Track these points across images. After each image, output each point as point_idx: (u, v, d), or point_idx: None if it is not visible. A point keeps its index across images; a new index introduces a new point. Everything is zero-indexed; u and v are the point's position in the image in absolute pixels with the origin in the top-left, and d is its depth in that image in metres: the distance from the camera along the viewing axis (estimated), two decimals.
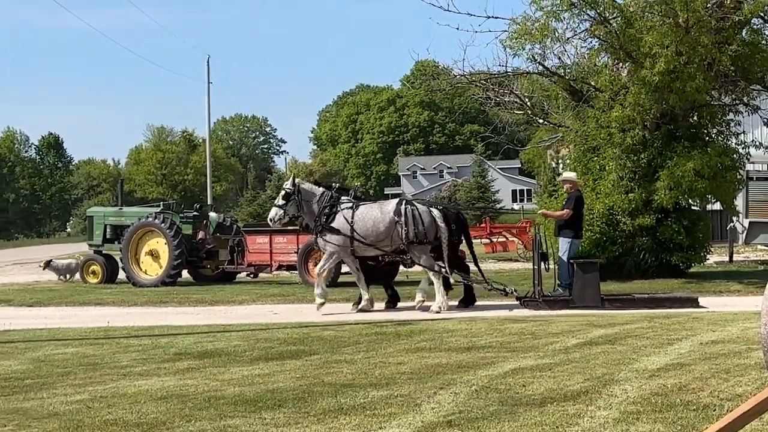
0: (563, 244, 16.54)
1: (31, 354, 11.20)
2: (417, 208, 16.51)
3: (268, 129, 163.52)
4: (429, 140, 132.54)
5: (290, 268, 21.90)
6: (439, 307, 15.74)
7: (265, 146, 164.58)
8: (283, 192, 17.05)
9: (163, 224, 21.94)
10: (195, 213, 23.25)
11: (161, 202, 27.11)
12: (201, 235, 22.56)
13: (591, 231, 20.03)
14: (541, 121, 25.68)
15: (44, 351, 11.40)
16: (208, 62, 62.09)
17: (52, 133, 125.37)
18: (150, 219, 22.59)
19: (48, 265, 25.20)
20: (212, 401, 7.79)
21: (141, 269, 22.54)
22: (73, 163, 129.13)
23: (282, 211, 16.89)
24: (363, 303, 16.55)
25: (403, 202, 16.77)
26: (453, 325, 12.88)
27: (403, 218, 16.21)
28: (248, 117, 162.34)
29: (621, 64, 21.07)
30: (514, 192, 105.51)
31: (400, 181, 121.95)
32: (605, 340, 10.89)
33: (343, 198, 16.96)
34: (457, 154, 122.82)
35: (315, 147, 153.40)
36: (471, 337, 11.49)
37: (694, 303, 15.79)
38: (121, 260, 22.94)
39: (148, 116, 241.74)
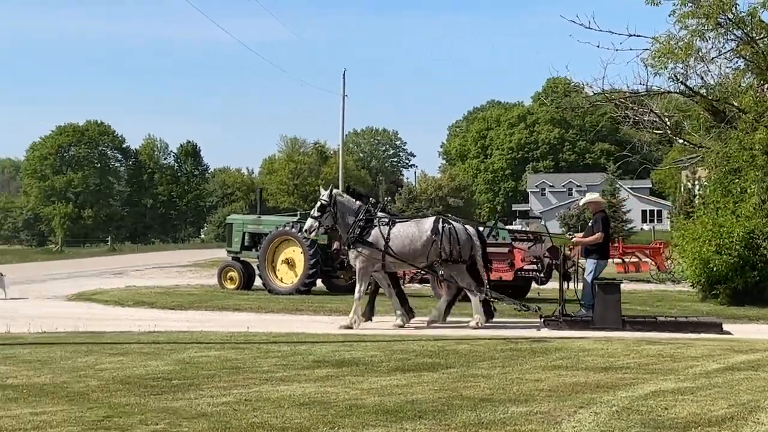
0: (589, 265, 16.47)
1: (176, 355, 11.53)
2: (454, 227, 16.50)
3: (398, 142, 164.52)
4: (558, 158, 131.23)
5: (423, 281, 22.00)
6: (477, 323, 15.86)
7: (395, 159, 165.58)
8: (319, 203, 16.99)
9: (299, 233, 22.31)
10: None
11: (298, 212, 27.57)
12: (336, 245, 22.86)
13: (729, 255, 19.53)
14: (680, 141, 25.17)
15: (188, 353, 11.73)
16: (343, 75, 62.93)
17: (190, 142, 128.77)
18: (287, 228, 23.00)
19: None
20: (353, 409, 7.91)
21: (277, 277, 22.97)
22: (209, 172, 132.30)
23: (317, 223, 16.91)
24: (397, 320, 16.44)
25: (440, 219, 16.71)
26: (588, 344, 12.73)
27: (440, 236, 16.20)
28: (379, 130, 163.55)
29: (767, 85, 20.52)
30: (644, 212, 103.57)
31: (528, 198, 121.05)
32: (748, 366, 10.61)
33: (380, 213, 16.98)
34: (586, 173, 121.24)
35: (444, 161, 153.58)
36: (608, 357, 11.35)
37: (718, 328, 15.41)
38: (257, 267, 23.41)
39: (282, 127, 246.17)
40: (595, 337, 13.96)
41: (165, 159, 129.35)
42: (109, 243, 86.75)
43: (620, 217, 65.35)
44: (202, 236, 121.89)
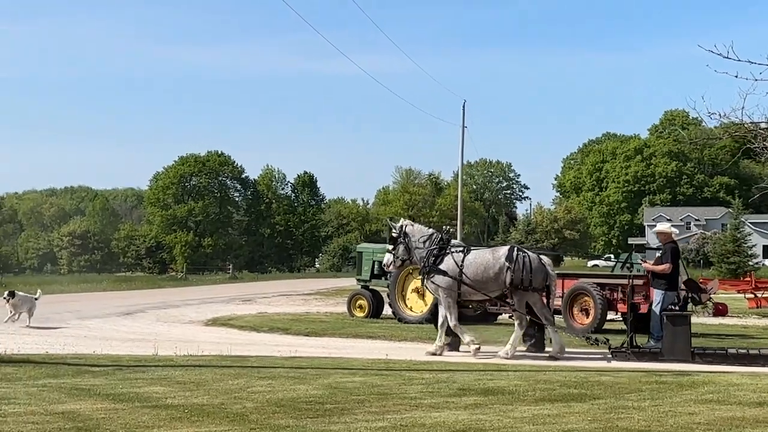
0: (657, 296, 16.32)
1: (323, 380, 11.71)
2: (528, 255, 16.50)
3: (511, 174, 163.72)
4: (676, 191, 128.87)
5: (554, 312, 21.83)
6: (506, 353, 16.05)
7: (508, 191, 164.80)
8: (390, 236, 17.35)
9: None
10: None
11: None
12: None
13: None
14: None
15: (334, 378, 11.91)
16: (463, 107, 63.34)
17: (306, 172, 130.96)
18: None
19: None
20: None
21: (407, 306, 23.15)
22: (325, 202, 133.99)
23: (392, 256, 17.24)
24: (471, 346, 16.45)
25: (515, 248, 16.71)
26: (736, 378, 12.47)
27: (513, 264, 16.22)
28: (492, 162, 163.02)
29: None
30: (765, 247, 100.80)
31: (644, 232, 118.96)
32: None
33: (453, 241, 17.14)
34: (705, 207, 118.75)
35: (558, 194, 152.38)
36: (760, 392, 11.09)
37: None
38: (387, 296, 23.62)
39: (396, 158, 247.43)
40: (742, 372, 13.66)
41: (282, 189, 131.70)
42: (230, 271, 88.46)
43: (744, 252, 63.71)
44: (317, 266, 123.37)
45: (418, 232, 17.23)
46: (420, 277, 22.03)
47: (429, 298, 22.70)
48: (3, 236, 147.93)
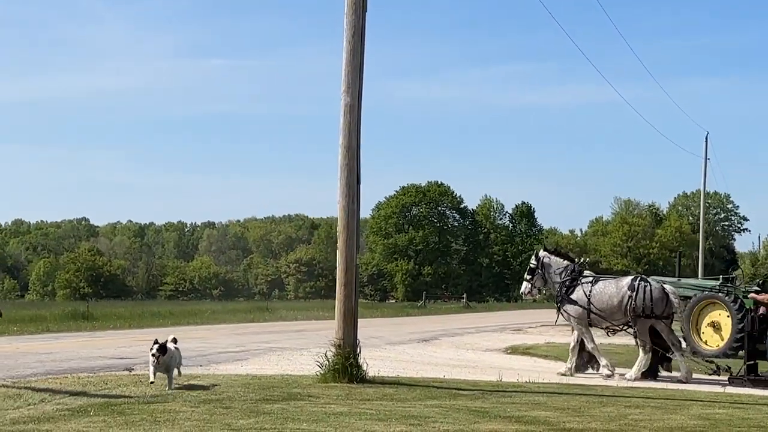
0: None
1: (688, 411, 12.07)
2: (650, 284, 17.85)
3: (729, 206, 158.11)
4: None
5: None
6: (632, 376, 17.39)
7: (726, 223, 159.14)
8: (529, 266, 18.55)
9: (727, 297, 22.33)
10: (757, 287, 23.32)
11: (722, 276, 27.49)
12: (763, 309, 22.63)
13: None
14: None
15: (695, 409, 12.24)
16: (706, 138, 62.66)
17: (524, 203, 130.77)
18: (714, 292, 23.06)
19: None
20: None
21: (702, 340, 23.03)
22: (542, 232, 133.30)
23: (529, 285, 18.64)
24: (603, 369, 17.85)
25: (638, 278, 18.07)
26: None
27: (635, 293, 17.61)
28: (710, 193, 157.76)
29: None
30: None
31: None
32: None
33: (585, 272, 18.44)
34: None
35: None
36: None
37: None
38: (681, 329, 23.55)
39: (613, 188, 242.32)
40: None
41: (500, 219, 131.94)
42: (464, 301, 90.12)
43: None
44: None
45: (554, 264, 18.46)
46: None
47: (725, 332, 22.53)
48: (226, 262, 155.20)
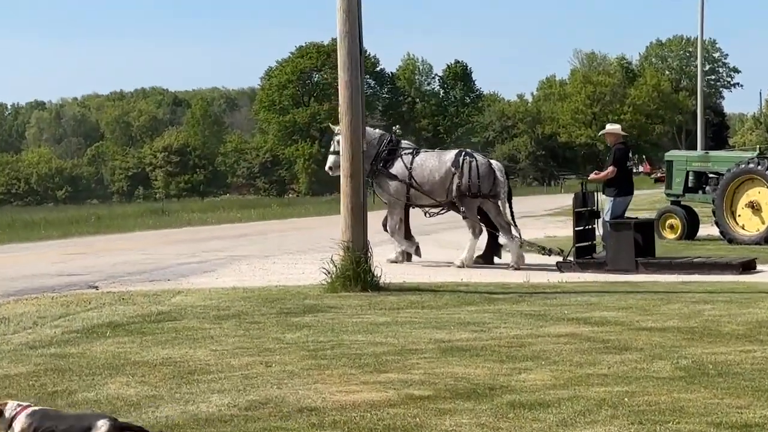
0: (606, 203, 19.18)
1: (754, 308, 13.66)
2: (476, 160, 19.95)
3: (716, 54, 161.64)
4: None
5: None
6: (462, 262, 19.53)
7: (712, 77, 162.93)
8: (335, 138, 20.29)
9: (767, 171, 23.94)
10: None
11: (758, 146, 29.26)
12: None
13: None
14: None
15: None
16: None
17: (459, 62, 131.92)
18: (751, 166, 24.66)
19: None
20: None
21: (738, 224, 24.75)
22: (482, 99, 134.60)
23: (338, 158, 19.40)
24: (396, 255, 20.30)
25: (463, 153, 20.23)
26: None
27: (458, 169, 19.63)
28: (690, 39, 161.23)
29: None
30: None
31: None
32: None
33: (403, 143, 20.75)
34: None
35: None
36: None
37: (735, 269, 18.00)
38: (714, 213, 25.19)
39: (566, 39, 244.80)
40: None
41: (428, 84, 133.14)
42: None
43: None
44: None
45: (367, 134, 19.72)
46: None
47: (766, 214, 24.26)
48: (66, 154, 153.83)
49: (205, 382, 8.60)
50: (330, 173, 21.13)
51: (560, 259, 19.43)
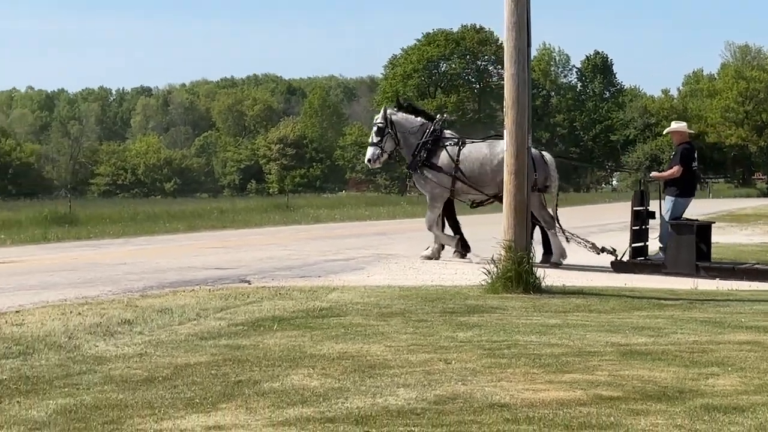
0: (666, 203, 19.75)
1: None
2: (530, 153, 19.63)
3: None
4: None
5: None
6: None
7: None
8: (375, 128, 20.94)
9: None
10: None
11: None
12: None
13: None
14: None
15: None
16: None
17: (598, 53, 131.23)
18: None
19: None
20: None
21: None
22: (623, 94, 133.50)
23: (378, 149, 21.05)
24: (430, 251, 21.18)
25: None
26: None
27: None
28: None
29: None
30: None
31: None
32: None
33: (447, 132, 21.22)
34: None
35: None
36: None
37: None
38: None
39: (718, 30, 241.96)
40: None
41: (565, 77, 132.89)
42: None
43: None
44: (614, 182, 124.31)
45: (407, 122, 21.03)
46: None
47: None
48: (173, 144, 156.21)
49: (388, 377, 9.16)
50: (369, 166, 22.13)
51: (613, 258, 20.06)
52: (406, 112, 21.84)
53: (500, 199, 20.95)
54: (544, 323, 12.62)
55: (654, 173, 21.35)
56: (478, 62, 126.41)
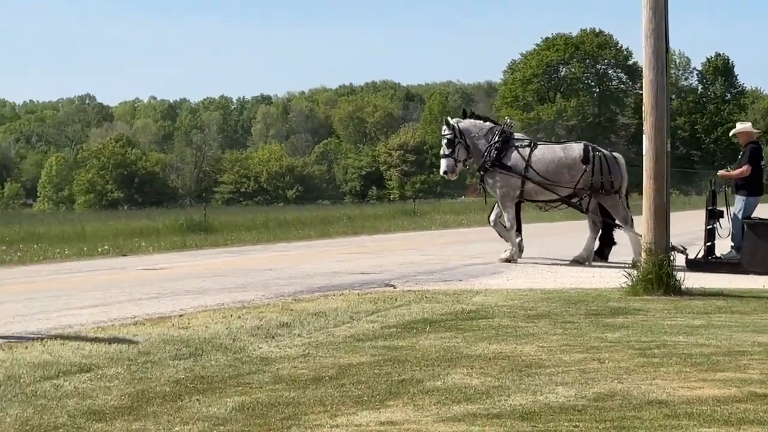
0: (738, 203, 20.00)
1: None
2: (604, 154, 20.86)
3: None
4: None
5: None
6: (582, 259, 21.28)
7: None
8: (444, 140, 21.32)
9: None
10: None
11: None
12: None
13: None
14: None
15: None
16: None
17: (720, 55, 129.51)
18: None
19: None
20: None
21: None
22: (745, 96, 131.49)
23: (452, 161, 21.43)
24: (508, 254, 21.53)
25: (590, 147, 21.05)
26: None
27: (590, 165, 20.83)
28: None
29: None
30: None
31: None
32: None
33: (517, 135, 21.31)
34: None
35: None
36: None
37: None
38: None
39: None
40: None
41: (685, 79, 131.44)
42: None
43: None
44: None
45: (474, 127, 21.25)
46: None
47: None
48: (293, 151, 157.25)
49: (545, 375, 9.48)
50: (446, 177, 22.53)
51: (684, 257, 19.92)
52: (471, 119, 22.36)
53: (569, 202, 21.79)
54: (689, 324, 12.83)
55: (721, 172, 21.67)
56: (598, 66, 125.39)
